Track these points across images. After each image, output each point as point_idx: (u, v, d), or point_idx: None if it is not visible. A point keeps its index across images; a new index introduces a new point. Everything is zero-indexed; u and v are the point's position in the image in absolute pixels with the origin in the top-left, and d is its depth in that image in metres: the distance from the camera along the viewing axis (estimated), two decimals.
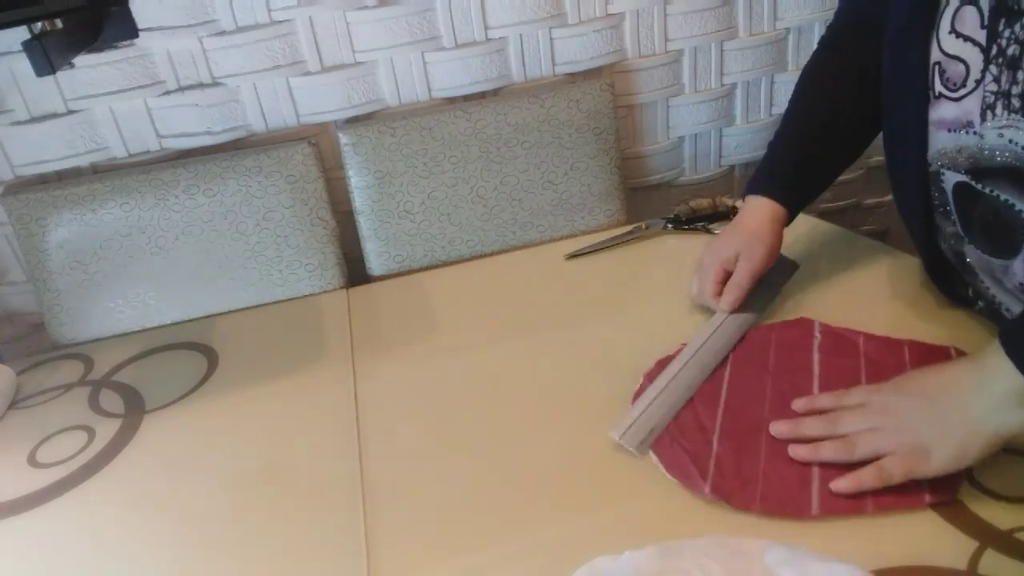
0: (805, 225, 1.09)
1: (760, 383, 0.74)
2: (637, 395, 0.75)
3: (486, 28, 1.17)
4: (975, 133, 0.65)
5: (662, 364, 0.78)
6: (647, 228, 1.10)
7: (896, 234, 1.44)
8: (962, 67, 0.65)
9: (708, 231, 1.07)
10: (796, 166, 0.87)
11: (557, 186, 1.18)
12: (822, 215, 1.44)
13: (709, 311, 0.85)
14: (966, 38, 0.65)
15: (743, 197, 0.89)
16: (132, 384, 0.94)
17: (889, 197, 1.41)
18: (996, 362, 0.57)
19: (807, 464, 0.63)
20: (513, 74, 1.21)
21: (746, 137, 1.35)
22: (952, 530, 0.57)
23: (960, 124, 0.66)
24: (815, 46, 0.90)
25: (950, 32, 0.66)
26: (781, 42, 1.29)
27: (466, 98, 1.21)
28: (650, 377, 0.77)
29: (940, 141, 0.70)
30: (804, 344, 0.79)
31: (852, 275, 0.90)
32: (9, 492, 0.78)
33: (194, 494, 0.74)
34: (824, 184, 0.88)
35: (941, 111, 0.68)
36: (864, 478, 0.59)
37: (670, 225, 1.10)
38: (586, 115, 1.17)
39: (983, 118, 0.64)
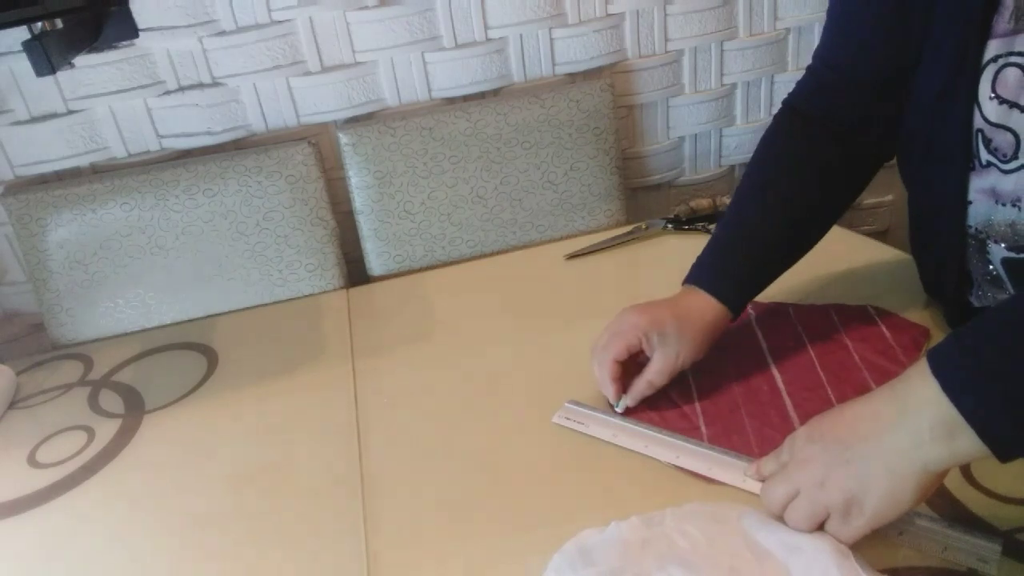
0: None
1: (722, 364, 0.78)
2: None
3: (486, 28, 1.17)
4: None
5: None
6: (647, 228, 1.10)
7: (896, 234, 1.44)
8: (1010, 137, 0.60)
9: (708, 231, 1.07)
10: (752, 266, 0.75)
11: (557, 186, 1.18)
12: None
13: None
14: (1011, 104, 0.59)
15: (682, 283, 0.77)
16: (132, 384, 0.94)
17: (889, 197, 1.42)
18: (919, 390, 0.50)
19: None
20: (513, 74, 1.21)
21: (746, 137, 1.35)
22: None
23: (1013, 197, 0.62)
24: (806, 65, 0.79)
25: (991, 97, 0.61)
26: (781, 42, 1.29)
27: (466, 98, 1.21)
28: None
29: (986, 212, 0.65)
30: (743, 322, 0.83)
31: (852, 274, 0.90)
32: (9, 492, 0.78)
33: (194, 494, 0.74)
34: (771, 280, 0.77)
35: (991, 181, 0.63)
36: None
37: (670, 225, 1.10)
38: (586, 115, 1.17)
39: None
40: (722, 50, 1.27)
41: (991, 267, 0.68)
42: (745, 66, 1.29)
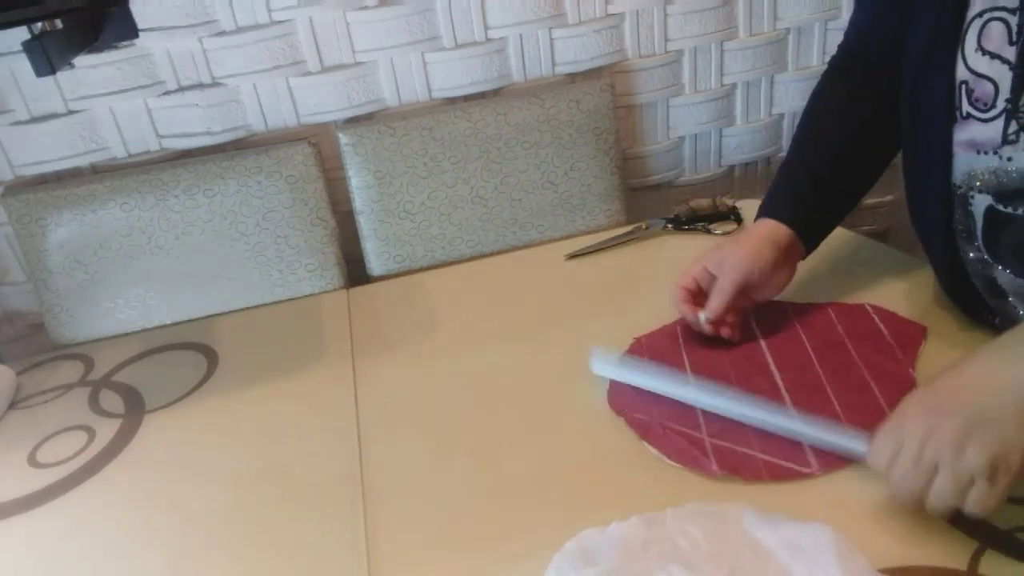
0: None
1: (719, 361, 0.79)
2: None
3: (486, 28, 1.17)
4: (1005, 156, 0.63)
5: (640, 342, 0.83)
6: (647, 228, 1.10)
7: (896, 234, 1.44)
8: (990, 86, 0.63)
9: (708, 231, 1.07)
10: (808, 190, 0.81)
11: (557, 186, 1.18)
12: None
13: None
14: (993, 55, 0.62)
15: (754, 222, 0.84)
16: (132, 384, 0.94)
17: (889, 197, 1.42)
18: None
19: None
20: (513, 74, 1.21)
21: (746, 137, 1.35)
22: (952, 530, 0.57)
23: (992, 145, 0.64)
24: (824, 64, 0.86)
25: (976, 49, 0.63)
26: (781, 42, 1.29)
27: (466, 98, 1.21)
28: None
29: (968, 163, 0.67)
30: (742, 322, 0.83)
31: (852, 275, 0.90)
32: (9, 492, 0.78)
33: (194, 494, 0.74)
34: (839, 212, 0.83)
35: (971, 132, 0.66)
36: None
37: (670, 225, 1.10)
38: (586, 115, 1.17)
39: (1011, 140, 0.62)
40: (722, 50, 1.27)
41: (972, 220, 0.69)
42: (745, 66, 1.29)
